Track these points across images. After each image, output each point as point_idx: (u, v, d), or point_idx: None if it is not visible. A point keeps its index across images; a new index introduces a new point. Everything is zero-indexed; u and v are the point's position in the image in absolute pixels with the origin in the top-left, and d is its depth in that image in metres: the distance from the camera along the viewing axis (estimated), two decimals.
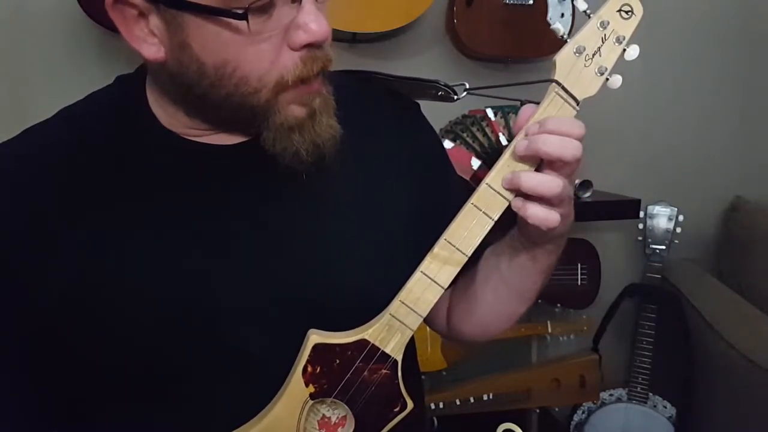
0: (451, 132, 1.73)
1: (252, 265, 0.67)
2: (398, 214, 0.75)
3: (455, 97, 0.71)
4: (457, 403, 1.73)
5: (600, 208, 1.82)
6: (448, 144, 1.69)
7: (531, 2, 1.74)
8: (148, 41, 0.62)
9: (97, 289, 0.64)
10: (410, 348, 0.82)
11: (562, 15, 1.74)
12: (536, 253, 0.72)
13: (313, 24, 0.61)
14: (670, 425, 1.89)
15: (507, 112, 1.70)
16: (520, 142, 0.64)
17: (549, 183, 0.63)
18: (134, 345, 0.64)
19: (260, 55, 0.61)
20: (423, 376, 1.69)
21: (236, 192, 0.69)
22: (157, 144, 0.69)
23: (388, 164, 0.77)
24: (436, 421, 1.76)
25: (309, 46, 0.62)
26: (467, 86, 0.69)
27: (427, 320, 0.90)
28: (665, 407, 1.92)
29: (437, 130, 1.71)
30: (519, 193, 0.65)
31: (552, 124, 0.62)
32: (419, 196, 0.77)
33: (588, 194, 1.78)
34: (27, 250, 0.64)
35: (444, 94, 0.71)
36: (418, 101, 0.83)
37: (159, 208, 0.67)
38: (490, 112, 1.70)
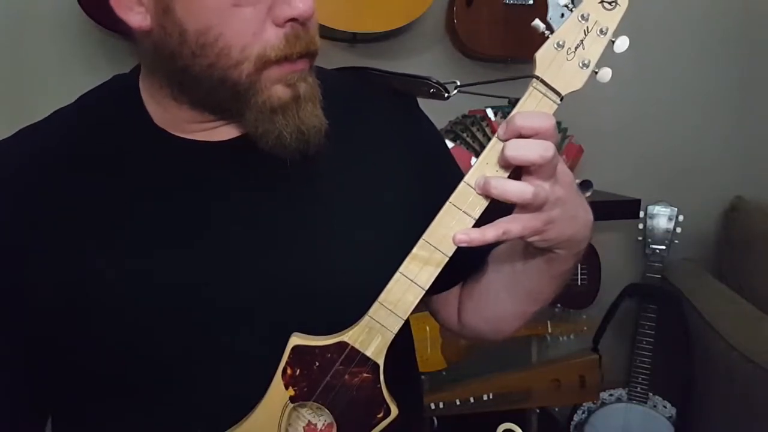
0: (451, 132, 1.73)
1: (243, 263, 0.67)
2: (395, 209, 0.74)
3: (446, 94, 0.70)
4: (457, 403, 1.73)
5: (600, 208, 1.78)
6: (447, 144, 1.69)
7: (531, 2, 1.74)
8: (135, 9, 0.63)
9: (86, 288, 0.64)
10: (407, 350, 0.81)
11: (562, 15, 1.74)
12: (551, 257, 0.70)
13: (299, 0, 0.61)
14: (670, 425, 1.89)
15: (507, 112, 1.70)
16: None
17: (516, 189, 0.60)
18: (125, 344, 0.64)
19: (243, 23, 0.61)
20: (423, 376, 1.70)
21: (227, 189, 0.69)
22: (149, 142, 0.69)
23: (385, 158, 0.76)
24: (436, 421, 1.76)
25: (293, 21, 0.62)
26: (458, 83, 0.69)
27: (437, 316, 0.88)
28: (665, 407, 1.91)
29: None
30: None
31: (518, 119, 0.60)
32: (418, 190, 0.75)
33: (588, 194, 1.77)
34: (19, 249, 0.65)
35: (436, 91, 0.71)
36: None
37: (149, 206, 0.67)
38: (490, 112, 1.70)
